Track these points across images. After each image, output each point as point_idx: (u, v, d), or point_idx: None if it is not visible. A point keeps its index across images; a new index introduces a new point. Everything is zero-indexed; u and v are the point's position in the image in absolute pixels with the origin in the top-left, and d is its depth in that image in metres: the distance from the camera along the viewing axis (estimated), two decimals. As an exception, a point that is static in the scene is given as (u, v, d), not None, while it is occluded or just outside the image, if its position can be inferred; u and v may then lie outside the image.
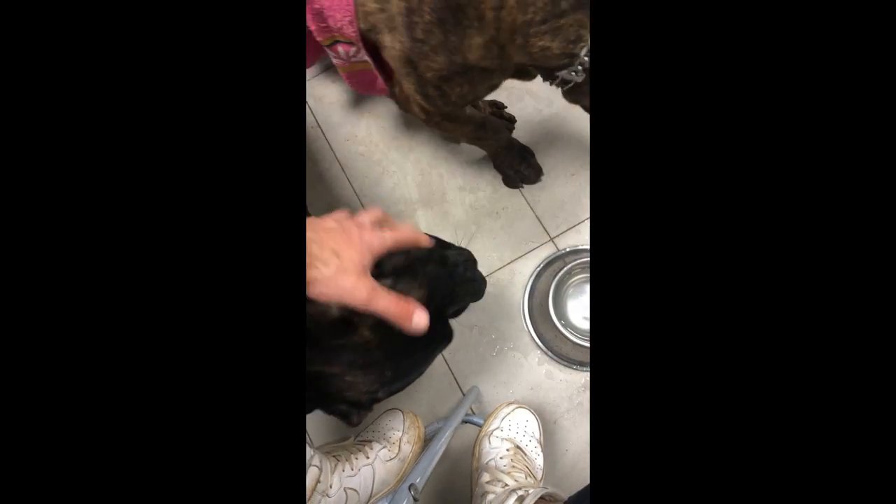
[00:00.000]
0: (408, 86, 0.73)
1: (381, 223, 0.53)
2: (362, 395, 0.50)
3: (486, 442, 0.85)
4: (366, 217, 0.52)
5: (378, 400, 0.52)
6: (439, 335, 0.55)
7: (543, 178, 1.12)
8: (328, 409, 0.51)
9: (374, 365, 0.50)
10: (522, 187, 1.12)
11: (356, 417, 0.51)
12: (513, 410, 0.89)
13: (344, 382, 0.49)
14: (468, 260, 0.59)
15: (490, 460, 0.81)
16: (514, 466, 0.78)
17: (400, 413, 0.91)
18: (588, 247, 1.07)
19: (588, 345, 0.98)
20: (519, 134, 1.15)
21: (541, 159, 1.12)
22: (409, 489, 0.67)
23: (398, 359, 0.51)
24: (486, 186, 1.14)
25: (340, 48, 0.77)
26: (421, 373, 0.55)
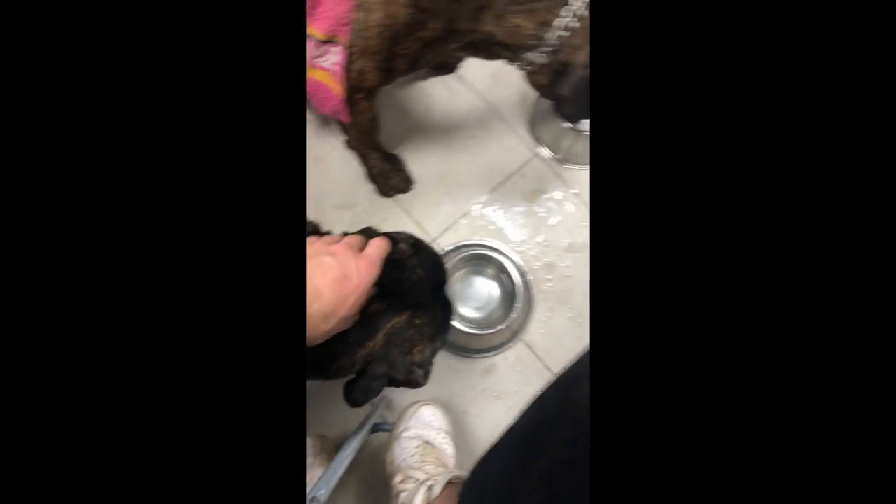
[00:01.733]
0: (368, 64, 0.74)
1: (361, 247, 0.61)
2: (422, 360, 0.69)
3: (395, 445, 0.87)
4: (353, 244, 0.56)
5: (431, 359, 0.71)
6: (447, 303, 0.75)
7: (414, 185, 1.17)
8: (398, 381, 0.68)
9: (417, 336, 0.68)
10: (393, 195, 1.16)
11: (423, 379, 0.70)
12: (417, 409, 0.92)
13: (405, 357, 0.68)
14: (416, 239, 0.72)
15: (401, 461, 0.83)
16: (423, 460, 0.81)
17: (308, 437, 0.90)
18: (468, 242, 1.13)
19: (480, 332, 1.04)
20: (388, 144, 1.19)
21: (410, 166, 1.17)
22: (311, 502, 0.68)
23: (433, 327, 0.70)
24: (363, 201, 1.17)
25: (310, 45, 0.76)
26: (447, 333, 0.75)
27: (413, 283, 0.67)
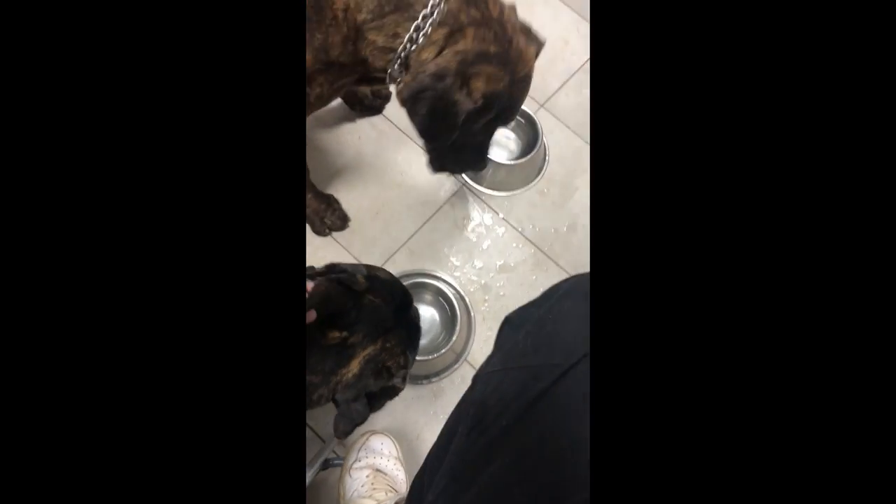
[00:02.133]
0: None
1: None
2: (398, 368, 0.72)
3: (346, 477, 0.89)
4: None
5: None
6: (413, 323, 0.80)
7: (350, 223, 1.21)
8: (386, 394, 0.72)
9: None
10: (329, 234, 1.20)
11: (402, 383, 0.73)
12: (366, 439, 0.95)
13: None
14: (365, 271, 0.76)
15: (353, 492, 0.85)
16: (374, 488, 0.83)
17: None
18: (406, 272, 1.18)
19: (425, 357, 1.08)
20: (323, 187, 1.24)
21: (345, 204, 1.22)
22: None
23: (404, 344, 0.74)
24: (301, 242, 1.20)
25: None
26: (415, 350, 0.80)
27: (371, 309, 0.71)
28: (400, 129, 1.31)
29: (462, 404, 0.54)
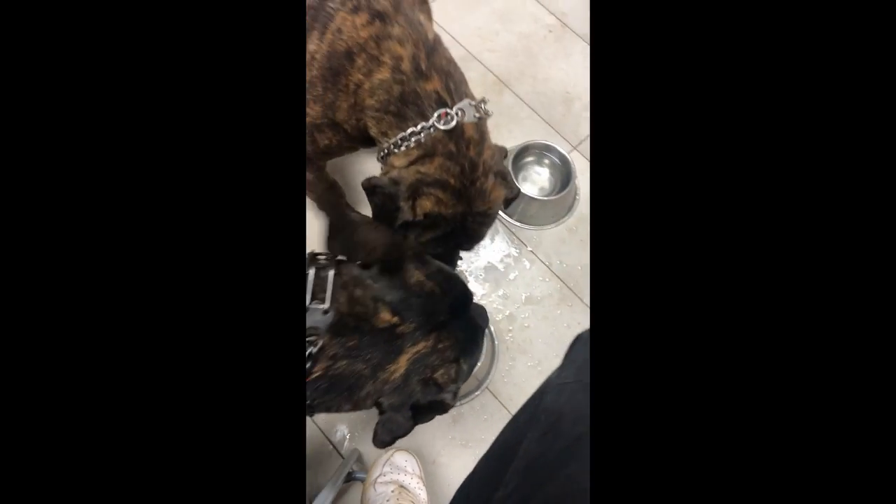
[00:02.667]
0: None
1: None
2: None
3: (371, 491, 0.89)
4: None
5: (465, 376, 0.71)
6: (472, 324, 0.73)
7: (384, 243, 1.25)
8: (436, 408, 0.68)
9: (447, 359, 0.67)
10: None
11: (452, 400, 0.69)
12: (391, 455, 0.95)
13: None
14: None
15: (377, 507, 0.85)
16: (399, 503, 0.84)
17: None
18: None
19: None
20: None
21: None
22: None
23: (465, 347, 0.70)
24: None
25: None
26: (473, 356, 0.73)
27: (423, 295, 0.66)
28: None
29: (528, 412, 0.56)
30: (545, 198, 1.32)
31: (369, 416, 1.10)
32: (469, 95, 0.82)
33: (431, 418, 0.70)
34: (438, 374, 0.67)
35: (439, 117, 0.76)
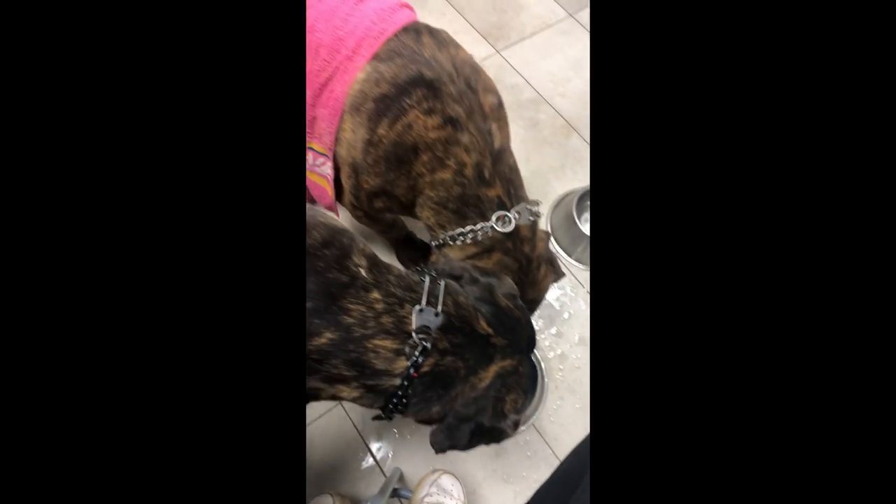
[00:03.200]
0: (346, 186, 0.94)
1: None
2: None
3: (413, 510, 0.91)
4: None
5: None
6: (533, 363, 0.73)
7: (444, 271, 1.30)
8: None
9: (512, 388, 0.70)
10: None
11: (512, 430, 0.71)
12: (438, 476, 0.97)
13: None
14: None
15: (419, 526, 0.86)
16: (441, 527, 0.85)
17: (329, 497, 0.94)
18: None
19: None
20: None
21: (440, 255, 1.31)
22: None
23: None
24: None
25: (310, 155, 0.95)
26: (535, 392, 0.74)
27: (512, 319, 0.70)
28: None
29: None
30: (606, 240, 1.32)
31: (412, 436, 1.12)
32: (525, 199, 0.87)
33: (487, 443, 0.71)
34: (509, 399, 0.69)
35: (498, 219, 0.82)
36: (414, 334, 0.62)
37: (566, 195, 1.40)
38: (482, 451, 1.12)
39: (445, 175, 0.82)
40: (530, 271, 0.86)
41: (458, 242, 0.84)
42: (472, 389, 0.66)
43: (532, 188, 1.43)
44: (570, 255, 1.34)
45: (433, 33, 0.85)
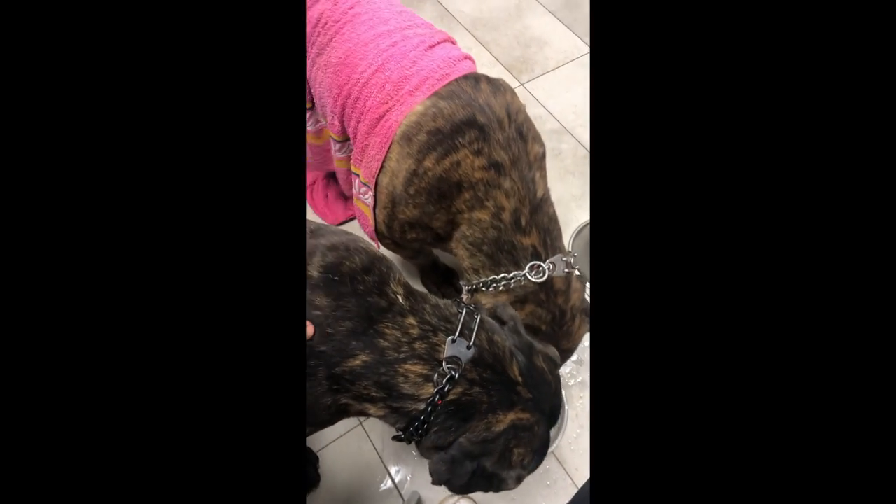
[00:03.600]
0: (380, 216, 0.97)
1: None
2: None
3: (431, 534, 0.90)
4: None
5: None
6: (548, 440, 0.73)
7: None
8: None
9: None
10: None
11: (514, 483, 0.69)
12: (457, 501, 0.96)
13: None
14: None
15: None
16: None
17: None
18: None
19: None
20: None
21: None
22: None
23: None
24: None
25: (356, 182, 1.00)
26: (543, 459, 0.73)
27: (540, 376, 0.69)
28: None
29: None
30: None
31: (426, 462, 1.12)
32: (561, 249, 0.87)
33: (485, 489, 0.69)
34: (518, 452, 0.67)
35: (531, 269, 0.83)
36: (444, 363, 0.63)
37: (587, 223, 1.42)
38: (501, 478, 1.11)
39: (483, 216, 0.84)
40: (564, 323, 0.87)
41: (491, 290, 0.85)
42: (485, 429, 0.65)
43: (554, 216, 1.45)
44: (590, 283, 1.34)
45: (491, 82, 0.89)
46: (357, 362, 0.63)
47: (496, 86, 0.89)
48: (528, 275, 0.82)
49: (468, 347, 0.65)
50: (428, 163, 0.84)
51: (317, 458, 1.08)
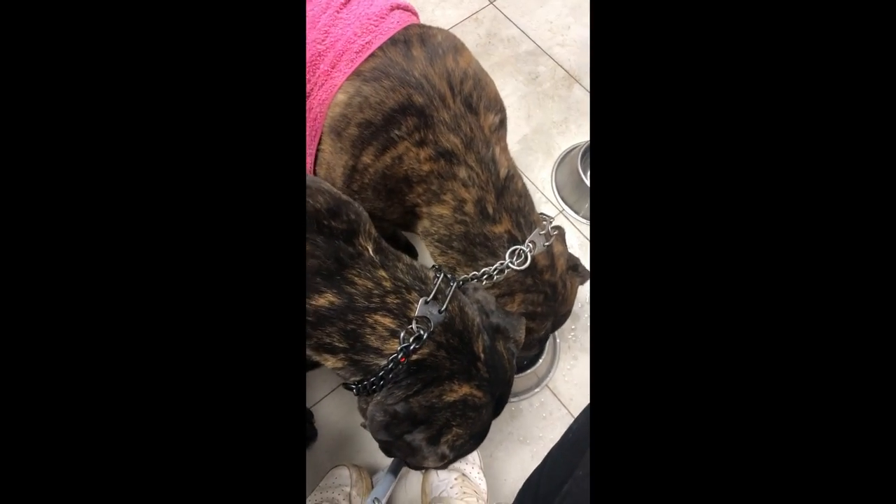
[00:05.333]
0: None
1: None
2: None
3: (433, 476, 0.91)
4: None
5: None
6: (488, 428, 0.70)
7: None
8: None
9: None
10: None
11: (429, 462, 0.66)
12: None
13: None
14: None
15: (440, 492, 0.87)
16: (464, 492, 0.85)
17: (345, 468, 0.94)
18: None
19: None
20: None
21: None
22: (374, 501, 0.72)
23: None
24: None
25: None
26: (479, 444, 0.71)
27: (498, 357, 0.66)
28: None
29: None
30: (614, 195, 1.28)
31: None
32: (538, 222, 0.79)
33: (401, 457, 0.67)
34: (455, 432, 0.64)
35: (512, 254, 0.74)
36: (414, 322, 0.60)
37: (570, 150, 1.35)
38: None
39: (444, 210, 0.74)
40: (557, 295, 0.81)
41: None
42: (437, 396, 0.62)
43: (534, 145, 1.38)
44: (577, 213, 1.30)
45: (425, 42, 0.73)
46: (323, 301, 0.58)
47: (432, 47, 0.73)
48: (510, 264, 0.74)
49: (440, 311, 0.62)
50: (366, 158, 0.73)
51: (311, 414, 1.07)
